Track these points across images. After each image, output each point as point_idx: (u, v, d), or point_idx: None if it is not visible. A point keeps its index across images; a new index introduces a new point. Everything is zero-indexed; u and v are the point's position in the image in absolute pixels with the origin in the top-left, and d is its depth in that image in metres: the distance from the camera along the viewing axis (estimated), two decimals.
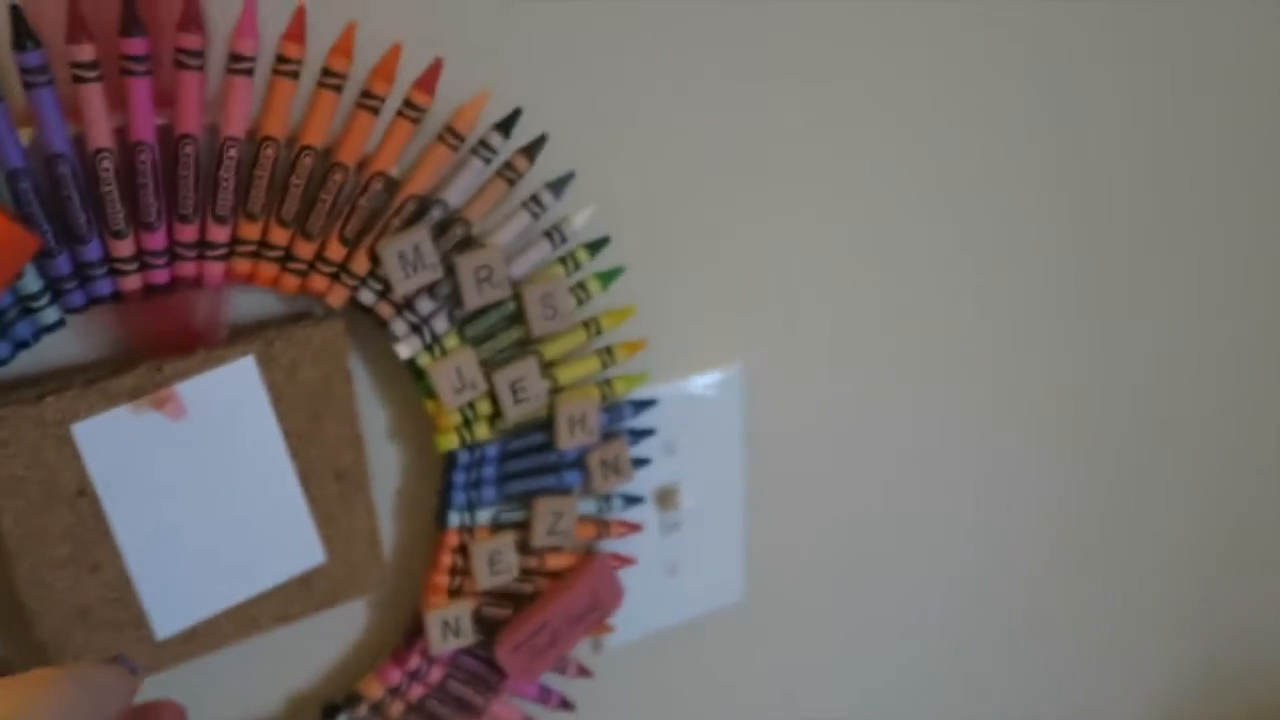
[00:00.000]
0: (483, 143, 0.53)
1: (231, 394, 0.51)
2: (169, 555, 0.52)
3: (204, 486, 0.52)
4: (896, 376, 0.76)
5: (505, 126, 0.53)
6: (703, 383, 0.67)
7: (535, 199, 0.56)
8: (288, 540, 0.56)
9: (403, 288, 0.53)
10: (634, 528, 0.65)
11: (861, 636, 0.86)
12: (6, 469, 0.47)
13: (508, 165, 0.54)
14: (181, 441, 0.51)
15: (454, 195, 0.53)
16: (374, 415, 0.59)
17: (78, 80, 0.44)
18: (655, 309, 0.63)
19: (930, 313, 0.75)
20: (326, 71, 0.48)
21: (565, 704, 0.67)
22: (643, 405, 0.63)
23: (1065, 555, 0.95)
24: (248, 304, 0.53)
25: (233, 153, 0.47)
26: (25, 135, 0.45)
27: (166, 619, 0.53)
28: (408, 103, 0.50)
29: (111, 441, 0.49)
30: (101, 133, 0.45)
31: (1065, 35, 0.70)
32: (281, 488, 0.55)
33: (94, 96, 0.44)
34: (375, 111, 0.50)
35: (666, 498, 0.68)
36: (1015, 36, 0.68)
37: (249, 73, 0.47)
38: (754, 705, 0.82)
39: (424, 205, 0.53)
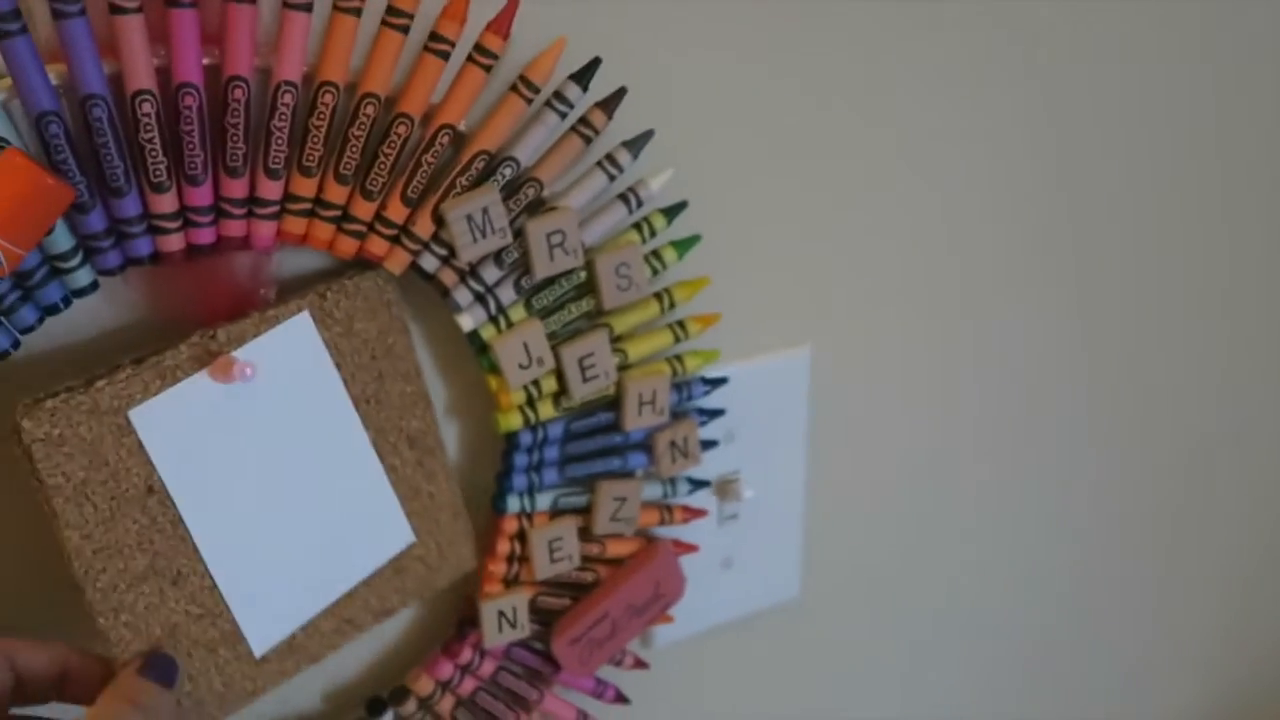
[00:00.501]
0: (558, 95, 0.48)
1: (292, 356, 0.46)
2: (253, 555, 0.47)
3: (277, 466, 0.47)
4: (964, 376, 0.72)
5: (583, 78, 0.48)
6: (767, 365, 0.62)
7: (611, 158, 0.50)
8: (374, 521, 0.51)
9: (468, 254, 0.48)
10: (698, 513, 0.61)
11: (916, 637, 0.81)
12: (65, 472, 0.41)
13: (583, 120, 0.49)
14: (247, 417, 0.46)
15: (525, 152, 0.48)
16: (431, 390, 0.54)
17: (115, 11, 0.39)
18: (722, 283, 0.58)
19: (999, 315, 0.71)
20: (392, 10, 0.43)
21: (621, 697, 0.63)
22: (714, 383, 0.58)
23: (1116, 565, 0.91)
24: (296, 258, 0.49)
25: (287, 99, 0.42)
26: (56, 73, 0.40)
27: (263, 632, 0.48)
28: (479, 48, 0.45)
29: (174, 425, 0.43)
30: (141, 72, 0.40)
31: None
32: (358, 460, 0.50)
33: (133, 31, 0.39)
34: (444, 57, 0.45)
35: (726, 488, 0.63)
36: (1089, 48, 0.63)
37: (307, 8, 0.42)
38: (806, 706, 0.78)
39: (493, 163, 0.48)
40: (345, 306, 0.48)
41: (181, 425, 0.44)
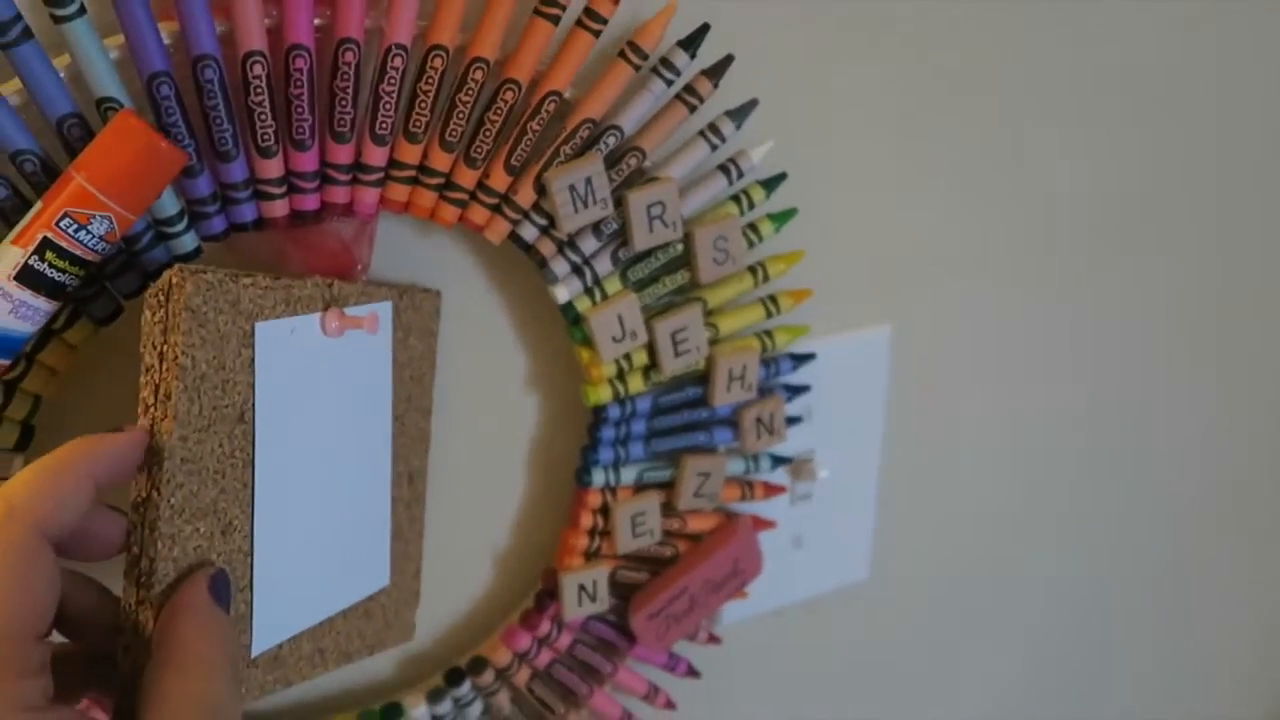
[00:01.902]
0: (665, 61, 0.47)
1: (366, 340, 0.45)
2: (286, 535, 0.42)
3: (329, 447, 0.44)
4: (1043, 367, 0.71)
5: (691, 44, 0.47)
6: (847, 344, 0.61)
7: (714, 128, 0.49)
8: (367, 550, 0.47)
9: (570, 224, 0.46)
10: (779, 489, 0.60)
11: (983, 626, 0.81)
12: (194, 357, 0.36)
13: (689, 88, 0.48)
14: (325, 384, 0.43)
15: (629, 121, 0.47)
16: (515, 360, 0.53)
17: None
18: (812, 258, 0.56)
19: (1085, 306, 0.70)
20: None
21: (692, 671, 0.63)
22: (801, 359, 0.57)
23: (1189, 566, 0.89)
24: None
25: (397, 63, 0.41)
26: (168, 33, 0.38)
27: (264, 629, 0.42)
28: (589, 11, 0.44)
29: (280, 356, 0.40)
30: (254, 33, 0.39)
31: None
32: (379, 478, 0.47)
33: None
34: (555, 21, 0.43)
35: (801, 467, 0.62)
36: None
37: None
38: (870, 689, 0.77)
39: (597, 131, 0.46)
40: (409, 316, 0.47)
41: (285, 361, 0.41)
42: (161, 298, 0.36)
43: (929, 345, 0.65)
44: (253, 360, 0.39)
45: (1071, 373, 0.72)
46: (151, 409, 0.36)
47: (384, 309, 0.46)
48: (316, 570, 0.45)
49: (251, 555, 0.41)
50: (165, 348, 0.36)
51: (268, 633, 0.42)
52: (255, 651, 0.42)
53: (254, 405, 0.40)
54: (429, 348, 0.49)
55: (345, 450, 0.45)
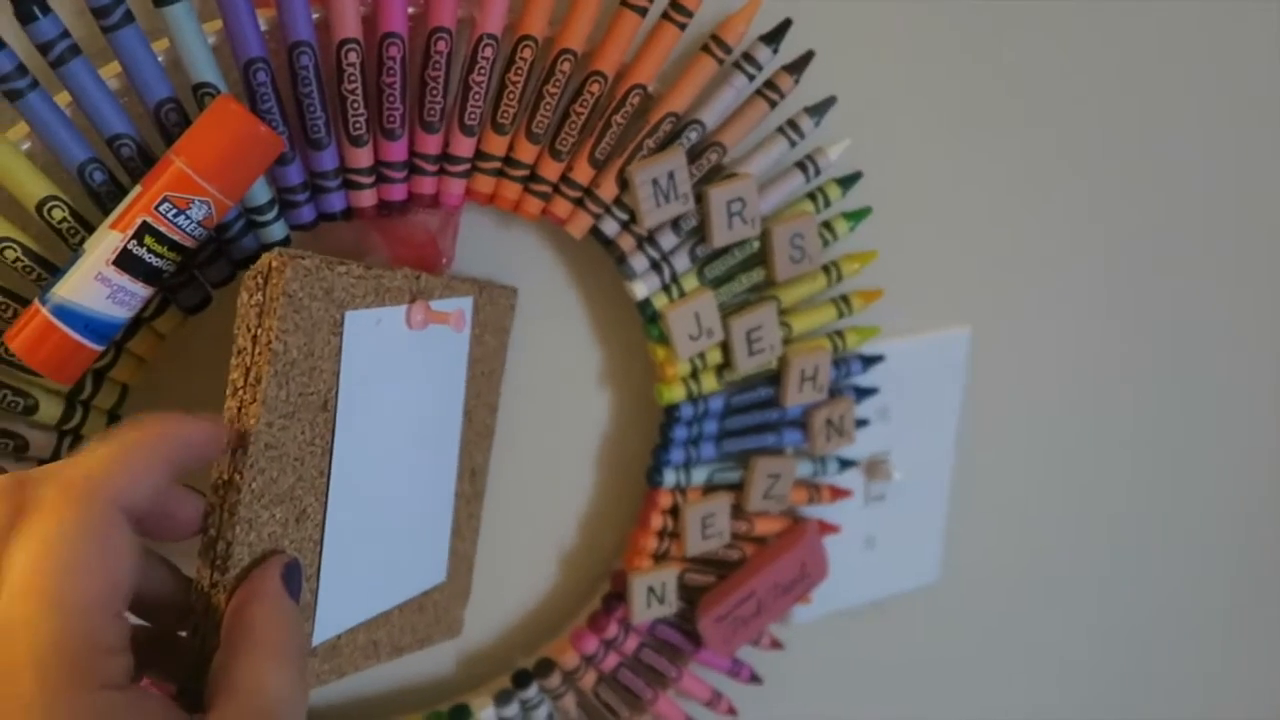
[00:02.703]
0: (747, 56, 0.46)
1: (450, 337, 0.45)
2: (354, 525, 0.42)
3: (401, 441, 0.44)
4: (1122, 373, 0.70)
5: (774, 39, 0.47)
6: (926, 344, 0.60)
7: (793, 124, 0.49)
8: (428, 545, 0.47)
9: (651, 219, 0.46)
10: (845, 493, 0.59)
11: (1052, 632, 0.80)
12: (287, 342, 0.36)
13: (770, 84, 0.47)
14: (405, 377, 0.43)
15: (711, 115, 0.47)
16: (588, 356, 0.53)
17: None
18: (882, 258, 0.56)
19: (1165, 315, 0.70)
20: None
21: (755, 678, 0.62)
22: (871, 361, 0.57)
23: (1264, 568, 0.88)
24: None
25: (488, 53, 0.41)
26: (264, 19, 0.38)
27: (325, 619, 0.41)
28: (675, 5, 0.44)
29: (367, 346, 0.40)
30: (350, 21, 0.39)
31: None
32: (444, 473, 0.47)
33: None
34: (642, 13, 0.43)
35: (875, 468, 0.61)
36: None
37: None
38: (937, 693, 0.76)
39: (680, 125, 0.46)
40: (487, 313, 0.46)
41: (369, 352, 0.40)
42: (260, 280, 0.35)
43: (1009, 348, 0.64)
44: (340, 349, 0.39)
45: (1148, 377, 0.71)
46: (240, 391, 0.36)
47: (465, 304, 0.45)
48: (380, 563, 0.44)
49: (321, 544, 0.40)
50: (259, 331, 0.36)
51: (329, 623, 0.42)
52: (315, 641, 0.41)
53: (337, 394, 0.39)
54: (501, 344, 0.49)
55: (418, 444, 0.45)
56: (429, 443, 0.46)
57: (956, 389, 0.63)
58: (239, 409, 0.36)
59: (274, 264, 0.35)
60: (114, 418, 0.42)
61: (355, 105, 0.40)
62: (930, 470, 0.64)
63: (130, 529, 0.30)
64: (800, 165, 0.50)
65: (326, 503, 0.40)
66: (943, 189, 0.58)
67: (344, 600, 0.42)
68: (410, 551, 0.46)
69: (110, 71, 0.37)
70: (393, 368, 0.42)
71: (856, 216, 0.53)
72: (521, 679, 0.55)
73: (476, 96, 0.42)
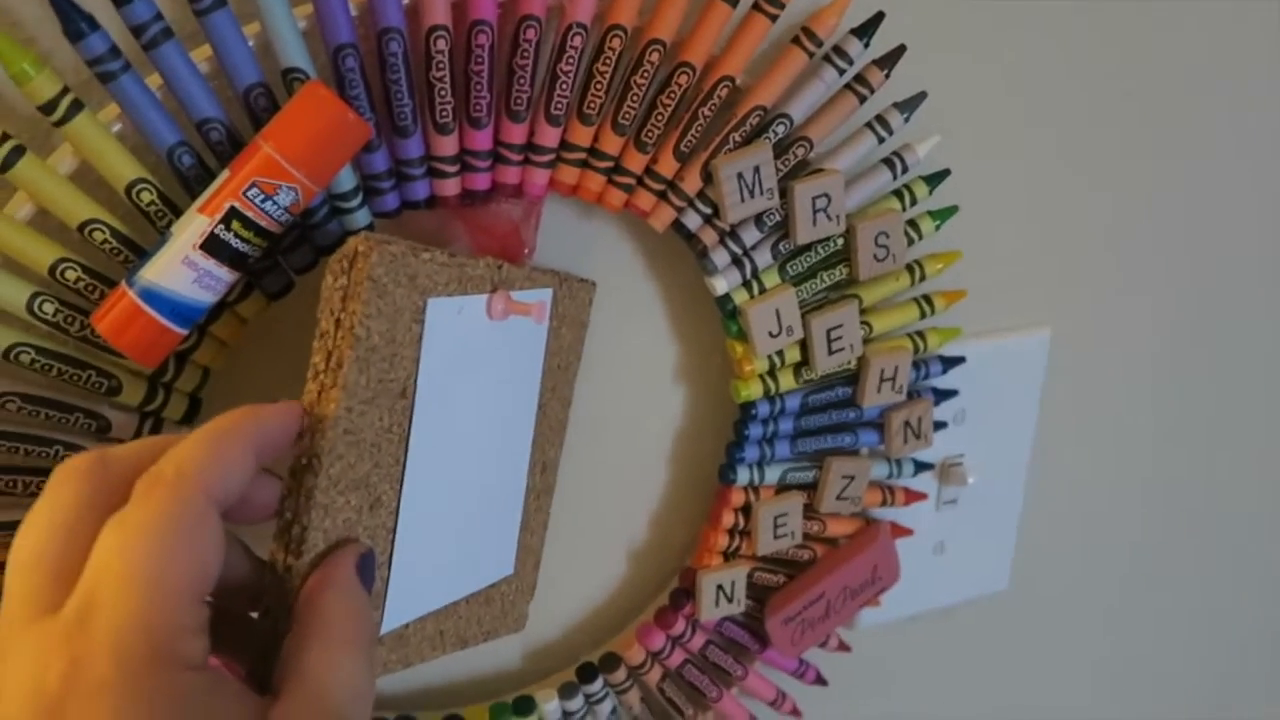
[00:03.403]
0: (838, 49, 0.45)
1: (524, 325, 0.44)
2: (428, 513, 0.41)
3: (479, 431, 0.43)
4: (1204, 380, 0.68)
5: (865, 32, 0.46)
6: (1004, 347, 0.59)
7: (882, 120, 0.48)
8: (497, 536, 0.47)
9: (735, 214, 0.45)
10: (919, 496, 0.58)
11: (1124, 643, 0.78)
12: (369, 328, 0.35)
13: (859, 78, 0.46)
14: (484, 367, 0.42)
15: (799, 109, 0.46)
16: (666, 351, 0.52)
17: None
18: (956, 266, 0.55)
19: (1250, 324, 0.68)
20: None
21: (821, 679, 0.61)
22: (951, 362, 0.55)
23: None
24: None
25: (577, 41, 0.40)
26: (354, 4, 0.38)
27: (395, 606, 0.41)
28: None
29: (447, 334, 0.39)
30: (439, 7, 0.38)
31: None
32: (517, 464, 0.47)
33: None
34: (733, 4, 0.42)
35: (949, 472, 0.60)
36: None
37: None
38: (998, 699, 0.75)
39: (767, 119, 0.45)
40: (566, 305, 0.46)
41: (450, 340, 0.40)
42: (345, 264, 0.35)
43: (1088, 352, 0.63)
44: (420, 336, 0.38)
45: (1232, 384, 0.69)
46: (321, 375, 0.35)
47: (546, 296, 0.45)
48: (451, 553, 0.44)
49: (394, 533, 0.40)
50: (343, 315, 0.35)
51: (398, 612, 0.42)
52: (384, 629, 0.41)
53: (416, 382, 0.39)
54: (578, 339, 0.49)
55: (492, 436, 0.45)
56: (503, 435, 0.45)
57: (1034, 392, 0.61)
58: (319, 393, 0.36)
59: (360, 248, 0.35)
60: (195, 401, 0.42)
61: (442, 93, 0.39)
62: (1004, 475, 0.63)
63: (218, 519, 0.30)
64: (887, 162, 0.49)
65: (401, 491, 0.40)
66: (1028, 188, 0.56)
67: (414, 589, 0.42)
68: (480, 544, 0.46)
69: (201, 55, 0.37)
70: (472, 358, 0.42)
71: (943, 215, 0.51)
72: (586, 673, 0.55)
73: (564, 86, 0.41)
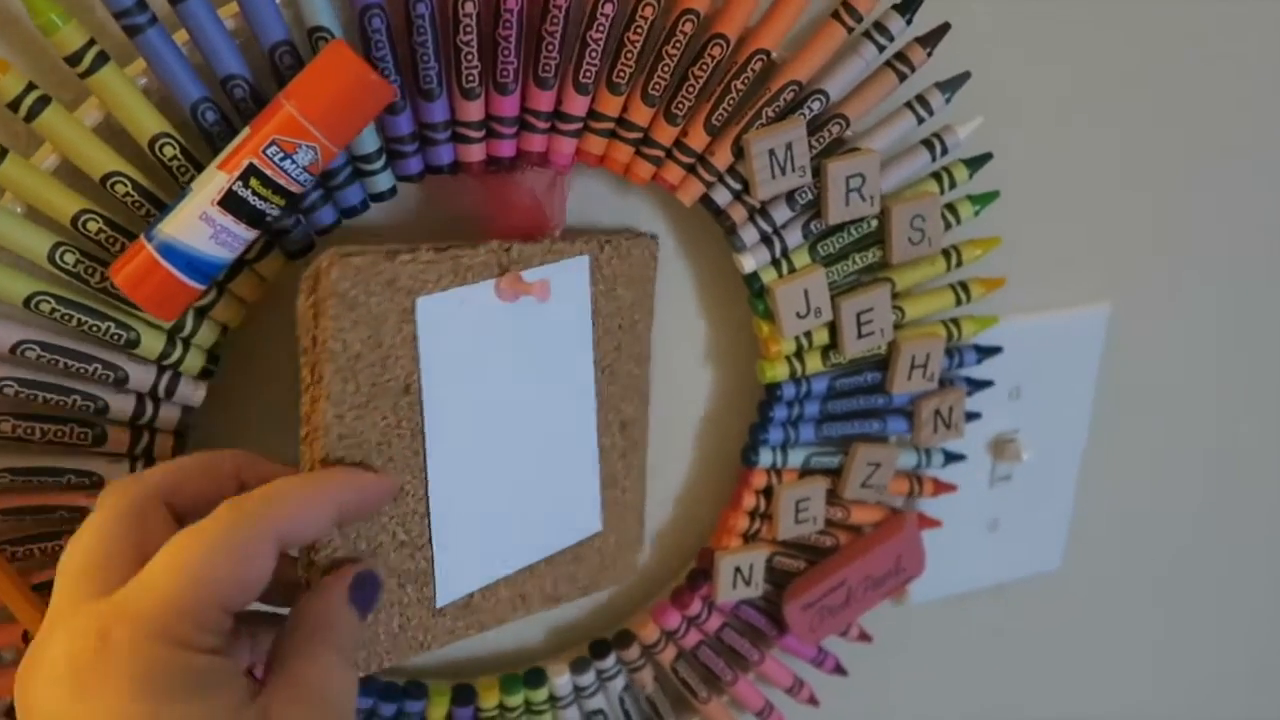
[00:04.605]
0: (878, 25, 0.44)
1: (560, 298, 0.44)
2: (468, 493, 0.43)
3: (515, 408, 0.44)
4: (1266, 359, 0.67)
5: (908, 8, 0.44)
6: (1063, 321, 0.58)
7: (923, 100, 0.47)
8: (573, 499, 0.47)
9: (765, 190, 0.44)
10: (949, 488, 0.57)
11: (1176, 628, 0.76)
12: (346, 340, 0.37)
13: (900, 56, 0.45)
14: (507, 346, 0.43)
15: (836, 86, 0.45)
16: (691, 330, 0.52)
17: None
18: (1014, 241, 0.53)
19: None
20: None
21: (840, 669, 0.60)
22: (987, 352, 0.54)
23: None
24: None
25: (608, 9, 0.40)
26: None
27: (450, 581, 0.43)
28: None
29: (449, 327, 0.40)
30: None
31: None
32: (580, 429, 0.47)
33: None
34: None
35: (1004, 447, 0.59)
36: None
37: None
38: (1049, 683, 0.73)
39: (802, 94, 0.44)
40: (615, 266, 0.45)
41: (454, 331, 0.41)
42: (312, 282, 0.37)
43: (1149, 327, 0.62)
44: (415, 335, 0.39)
45: None
46: (310, 387, 0.38)
47: (578, 264, 0.44)
48: (509, 522, 0.45)
49: (428, 516, 0.42)
50: (317, 332, 0.37)
51: (455, 584, 0.44)
52: (441, 602, 0.43)
53: (419, 377, 0.40)
54: (643, 293, 0.47)
55: (537, 406, 0.45)
56: (551, 403, 0.46)
57: (1092, 368, 0.60)
58: (312, 403, 0.38)
59: (323, 264, 0.36)
60: (213, 357, 0.42)
61: (469, 57, 0.39)
62: (1060, 453, 0.62)
63: (274, 556, 0.33)
64: (927, 143, 0.48)
65: (427, 478, 0.41)
66: (1075, 173, 0.55)
67: (470, 561, 0.44)
68: (545, 507, 0.47)
69: (228, 12, 0.37)
70: (491, 340, 0.42)
71: (983, 200, 0.50)
72: (599, 648, 0.54)
73: (593, 54, 0.40)
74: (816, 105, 0.44)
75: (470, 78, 0.39)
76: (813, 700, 0.60)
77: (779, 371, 0.50)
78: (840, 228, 0.48)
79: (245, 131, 0.36)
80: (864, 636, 0.60)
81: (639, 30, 0.40)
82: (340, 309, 0.37)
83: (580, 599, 0.50)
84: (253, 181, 0.36)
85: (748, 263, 0.47)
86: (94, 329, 0.39)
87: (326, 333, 0.37)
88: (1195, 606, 0.76)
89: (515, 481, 0.45)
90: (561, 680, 0.53)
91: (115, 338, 0.39)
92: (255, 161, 0.36)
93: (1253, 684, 0.84)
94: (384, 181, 0.41)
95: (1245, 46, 0.55)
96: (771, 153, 0.44)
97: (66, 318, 0.38)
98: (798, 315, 0.48)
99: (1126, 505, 0.68)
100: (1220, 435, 0.68)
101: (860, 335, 0.50)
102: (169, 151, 0.37)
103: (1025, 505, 0.62)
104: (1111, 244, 0.58)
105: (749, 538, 0.54)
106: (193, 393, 0.42)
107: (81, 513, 0.41)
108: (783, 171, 0.44)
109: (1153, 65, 0.54)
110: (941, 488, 0.57)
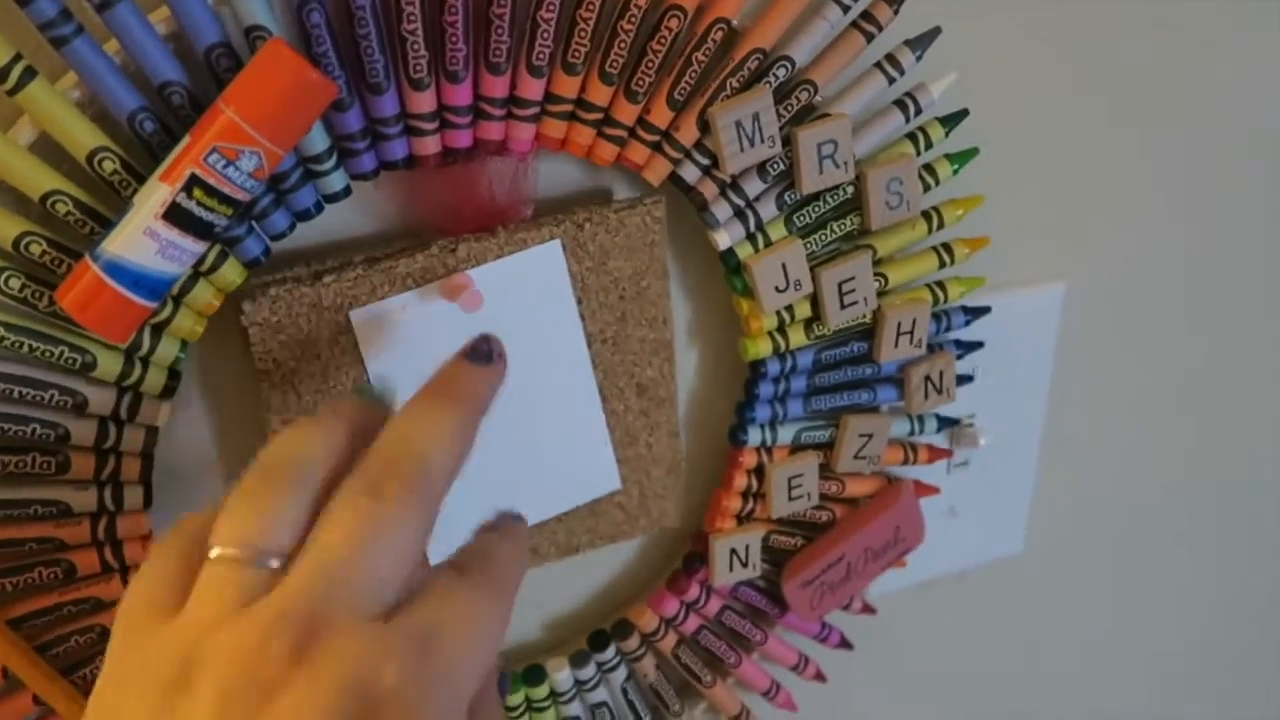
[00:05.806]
0: None
1: (533, 283, 0.43)
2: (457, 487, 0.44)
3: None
4: (1225, 339, 0.66)
5: None
6: (1015, 301, 0.56)
7: (892, 59, 0.45)
8: (583, 461, 0.48)
9: (735, 164, 0.43)
10: (944, 453, 0.56)
11: (1139, 609, 0.75)
12: (276, 359, 0.40)
13: (866, 15, 0.44)
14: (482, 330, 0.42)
15: (802, 52, 0.43)
16: (674, 309, 0.50)
17: None
18: (967, 222, 0.51)
19: (1272, 281, 0.64)
20: None
21: (845, 643, 0.59)
22: (976, 313, 0.53)
23: None
24: (550, 177, 0.45)
25: None
26: None
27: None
28: None
29: (392, 332, 0.42)
30: None
31: None
32: (580, 398, 0.47)
33: None
34: None
35: (961, 433, 0.58)
36: None
37: None
38: (1015, 667, 0.73)
39: (766, 63, 0.43)
40: (602, 241, 0.44)
41: (400, 334, 0.42)
42: (238, 315, 0.40)
43: (1104, 307, 0.60)
44: (355, 345, 0.42)
45: (1253, 343, 0.66)
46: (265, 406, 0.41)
47: (548, 250, 0.43)
48: (504, 491, 0.44)
49: None
50: (251, 355, 0.40)
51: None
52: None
53: (367, 378, 0.42)
54: (649, 258, 0.46)
55: (521, 386, 0.44)
56: (539, 382, 0.46)
57: (1048, 350, 0.58)
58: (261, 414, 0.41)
59: (240, 301, 0.39)
60: (174, 374, 0.40)
61: (415, 46, 0.37)
62: (1017, 437, 0.60)
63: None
64: (899, 104, 0.46)
65: None
66: (1052, 128, 0.53)
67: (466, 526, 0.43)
68: (546, 476, 0.48)
69: (159, 16, 0.36)
70: (443, 338, 0.42)
71: (962, 158, 0.49)
72: (598, 641, 0.53)
73: (545, 35, 0.39)
74: (782, 72, 0.43)
75: (418, 68, 0.38)
76: (819, 676, 0.59)
77: (762, 348, 0.48)
78: (815, 197, 0.46)
79: (186, 140, 0.35)
80: (867, 609, 0.59)
81: (590, 8, 0.39)
82: (260, 335, 0.40)
83: (605, 546, 0.52)
84: (196, 192, 0.34)
85: (722, 239, 0.46)
86: (46, 354, 0.37)
87: (253, 355, 0.40)
88: (1157, 586, 0.75)
89: (505, 457, 0.46)
90: (561, 675, 0.53)
91: (70, 362, 0.38)
92: (197, 171, 0.34)
93: (1216, 661, 0.83)
94: (337, 181, 0.39)
95: (1203, 23, 0.54)
96: (739, 124, 0.42)
97: (16, 345, 0.37)
98: (777, 290, 0.47)
99: (1087, 486, 0.67)
100: (1180, 415, 0.67)
101: (843, 305, 0.48)
102: (109, 166, 0.36)
103: (985, 490, 0.61)
104: (1066, 222, 0.56)
105: (743, 518, 0.53)
106: (156, 412, 0.40)
107: (52, 543, 0.40)
108: (751, 143, 0.43)
109: (1110, 41, 0.52)
110: (936, 454, 0.56)
